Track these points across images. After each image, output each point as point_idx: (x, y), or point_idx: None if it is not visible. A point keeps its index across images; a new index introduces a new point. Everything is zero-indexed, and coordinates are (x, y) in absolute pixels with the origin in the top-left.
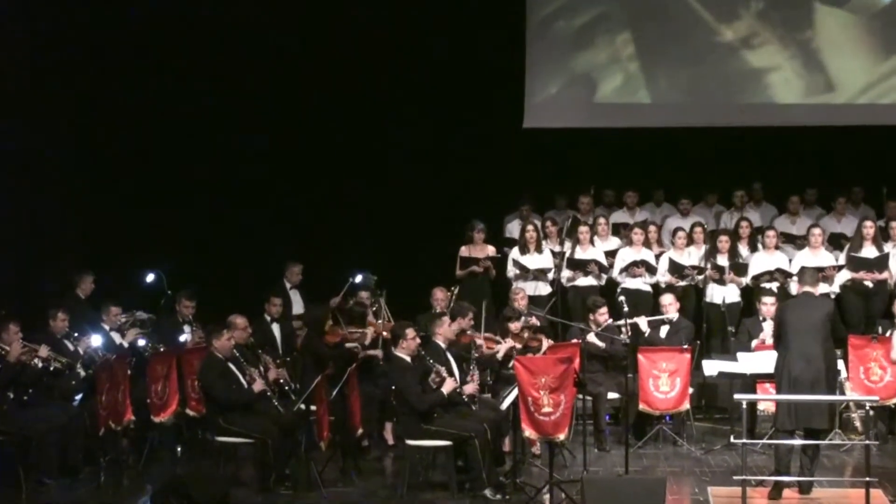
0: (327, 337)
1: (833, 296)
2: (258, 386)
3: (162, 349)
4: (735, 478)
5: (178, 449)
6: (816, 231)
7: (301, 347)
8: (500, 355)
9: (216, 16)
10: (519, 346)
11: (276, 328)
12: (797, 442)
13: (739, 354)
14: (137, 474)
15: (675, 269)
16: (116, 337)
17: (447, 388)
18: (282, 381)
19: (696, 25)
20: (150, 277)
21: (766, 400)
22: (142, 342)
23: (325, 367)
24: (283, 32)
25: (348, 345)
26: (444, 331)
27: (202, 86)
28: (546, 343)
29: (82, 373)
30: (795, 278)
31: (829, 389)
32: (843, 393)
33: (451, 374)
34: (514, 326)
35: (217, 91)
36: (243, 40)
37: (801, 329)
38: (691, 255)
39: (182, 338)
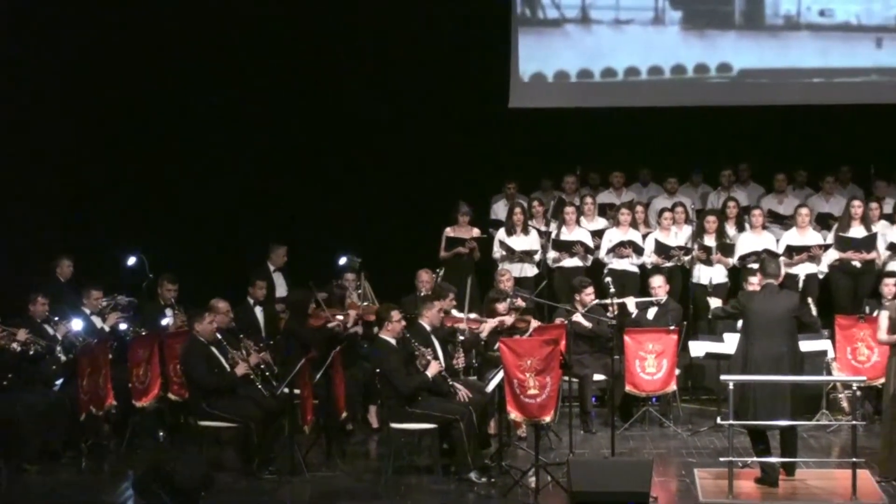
0: (310, 320)
1: (821, 276)
2: (241, 370)
3: (144, 333)
4: (722, 459)
5: (161, 434)
6: (804, 211)
7: (283, 331)
8: (484, 333)
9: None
10: (508, 323)
11: (259, 311)
12: (782, 423)
13: (726, 335)
14: (119, 459)
15: (661, 249)
16: (97, 321)
17: (432, 370)
18: (264, 365)
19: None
20: (131, 260)
21: (753, 381)
22: (123, 326)
23: (307, 351)
24: (266, 13)
25: (330, 324)
26: (431, 314)
27: (187, 69)
28: (534, 324)
29: (63, 357)
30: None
31: (793, 386)
32: (829, 373)
33: (435, 357)
34: (501, 307)
35: (201, 75)
36: (223, 26)
37: (765, 323)
38: (678, 236)
39: (164, 321)
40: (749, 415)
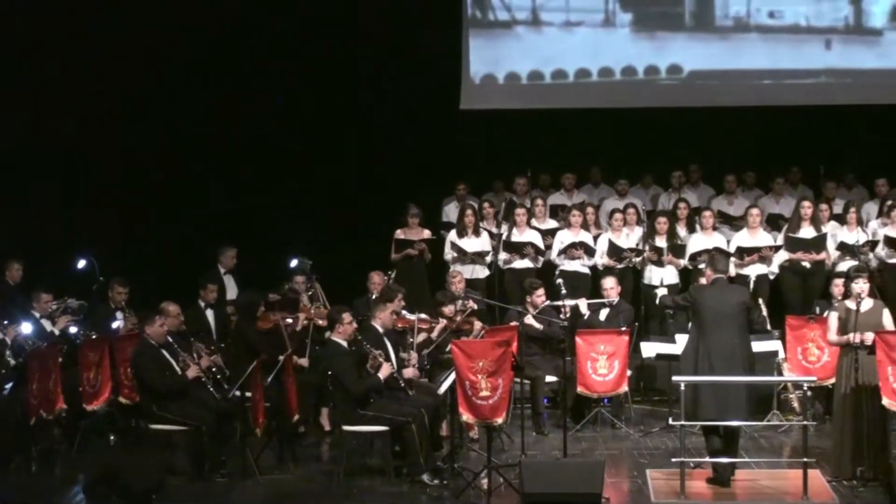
0: (259, 323)
1: (772, 276)
2: (192, 373)
3: (94, 336)
4: (673, 460)
5: (112, 437)
6: (754, 211)
7: (233, 333)
8: (434, 335)
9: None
10: (452, 327)
11: (210, 314)
12: (735, 423)
13: (678, 336)
14: (70, 463)
15: (613, 251)
16: (47, 324)
17: (384, 372)
18: (215, 368)
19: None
20: (81, 263)
21: (704, 382)
22: (73, 329)
23: (257, 354)
24: (212, 12)
25: (287, 321)
26: (384, 316)
27: (134, 67)
28: (478, 325)
29: (12, 361)
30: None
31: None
32: (780, 374)
33: (388, 359)
34: (448, 310)
35: (151, 74)
36: (160, 24)
37: (718, 318)
38: (629, 237)
39: (114, 325)
40: (702, 410)
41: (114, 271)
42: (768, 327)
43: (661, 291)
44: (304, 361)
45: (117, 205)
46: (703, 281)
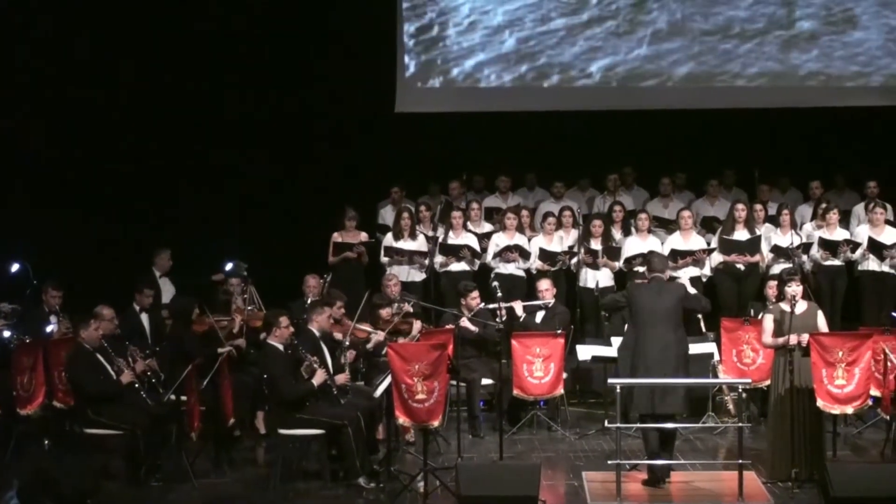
0: (194, 326)
1: (705, 279)
2: (126, 377)
3: (28, 340)
4: (609, 462)
5: (46, 442)
6: (686, 214)
7: (167, 337)
8: (370, 346)
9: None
10: (384, 333)
11: (144, 318)
12: (670, 426)
13: (613, 339)
14: (3, 468)
15: (545, 255)
16: None
17: (318, 379)
18: (150, 372)
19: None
20: (14, 267)
21: (636, 384)
22: (6, 333)
23: (192, 358)
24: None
25: (222, 323)
26: (321, 319)
27: (69, 69)
28: (417, 325)
29: None
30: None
31: (683, 375)
32: (715, 376)
33: (323, 363)
34: (386, 313)
35: (82, 73)
36: (90, 25)
37: (654, 315)
38: (563, 240)
39: (48, 328)
40: (637, 403)
41: (48, 275)
42: (703, 329)
43: (602, 277)
44: (240, 342)
45: (51, 208)
46: (639, 280)
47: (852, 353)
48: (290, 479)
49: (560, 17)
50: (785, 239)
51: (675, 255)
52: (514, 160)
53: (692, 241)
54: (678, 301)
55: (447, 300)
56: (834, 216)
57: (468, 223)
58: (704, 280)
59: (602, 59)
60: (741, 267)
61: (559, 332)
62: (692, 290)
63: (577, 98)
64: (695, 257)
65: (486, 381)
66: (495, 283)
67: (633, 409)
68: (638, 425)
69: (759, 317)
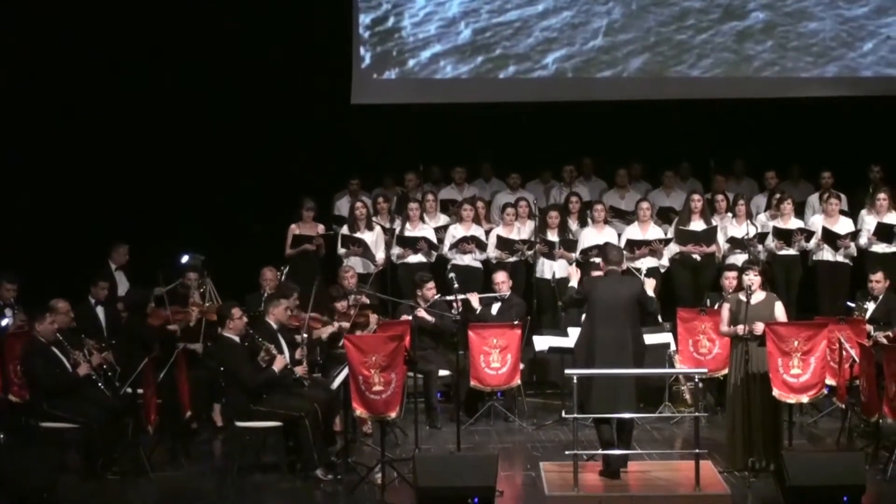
0: (150, 319)
1: (662, 269)
2: (83, 370)
3: None
4: (567, 452)
5: (1, 436)
6: (644, 205)
7: (123, 331)
8: (324, 336)
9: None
10: (346, 325)
11: (100, 311)
12: (627, 416)
13: (570, 329)
14: None
15: (504, 245)
16: None
17: (278, 365)
18: (106, 365)
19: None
20: None
21: (595, 375)
22: None
23: (149, 351)
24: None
25: (170, 327)
26: (278, 312)
27: (30, 62)
28: (374, 319)
29: None
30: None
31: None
32: (672, 366)
33: (280, 352)
34: (341, 306)
35: (41, 66)
36: (38, 21)
37: (610, 309)
38: (520, 231)
39: (3, 322)
40: (593, 403)
41: (2, 268)
42: (660, 319)
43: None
44: (197, 347)
45: (5, 201)
46: (596, 273)
47: (808, 342)
48: (247, 471)
49: (515, 9)
50: (740, 229)
51: (632, 245)
52: (471, 152)
53: (650, 231)
54: (634, 295)
55: (404, 292)
56: (788, 206)
57: (424, 216)
58: (663, 271)
59: (558, 51)
60: (697, 257)
61: (516, 322)
62: (651, 294)
63: (532, 89)
64: (651, 248)
65: (443, 373)
66: (452, 275)
67: (590, 410)
68: (595, 415)
69: (716, 306)
